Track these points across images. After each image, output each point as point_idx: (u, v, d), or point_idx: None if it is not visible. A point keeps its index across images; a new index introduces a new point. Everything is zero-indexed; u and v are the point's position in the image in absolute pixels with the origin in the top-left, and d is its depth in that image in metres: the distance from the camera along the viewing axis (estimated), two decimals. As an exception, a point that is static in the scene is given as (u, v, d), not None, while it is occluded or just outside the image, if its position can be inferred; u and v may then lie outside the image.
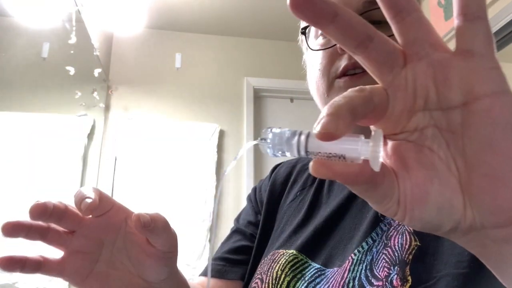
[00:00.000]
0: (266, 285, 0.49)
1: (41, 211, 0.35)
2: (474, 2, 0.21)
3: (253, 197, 0.67)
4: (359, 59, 0.23)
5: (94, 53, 2.11)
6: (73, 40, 1.81)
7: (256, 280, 0.51)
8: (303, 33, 0.56)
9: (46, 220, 0.37)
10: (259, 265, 0.54)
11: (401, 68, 0.22)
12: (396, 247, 0.42)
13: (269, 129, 0.24)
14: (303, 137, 0.22)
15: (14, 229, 0.35)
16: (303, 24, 0.56)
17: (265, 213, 0.61)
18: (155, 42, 2.62)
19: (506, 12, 1.71)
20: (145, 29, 2.41)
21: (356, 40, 0.21)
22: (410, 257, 0.40)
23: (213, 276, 0.58)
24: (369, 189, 0.22)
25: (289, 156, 0.24)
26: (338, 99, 0.21)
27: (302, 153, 0.22)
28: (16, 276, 1.57)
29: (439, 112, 0.22)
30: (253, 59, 2.73)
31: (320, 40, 0.53)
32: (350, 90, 0.22)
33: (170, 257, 0.41)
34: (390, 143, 0.24)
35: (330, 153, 0.21)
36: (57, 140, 1.91)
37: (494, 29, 1.77)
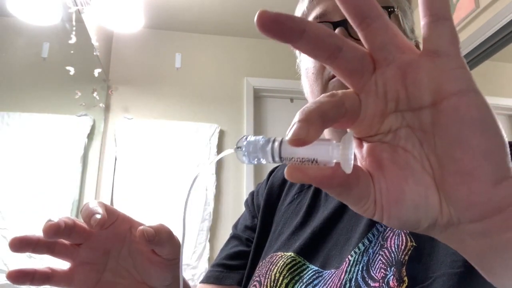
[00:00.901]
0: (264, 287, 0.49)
1: (55, 230, 0.37)
2: (438, 3, 0.22)
3: (250, 202, 0.68)
4: (331, 69, 0.24)
5: (94, 53, 2.11)
6: (73, 40, 1.81)
7: (254, 283, 0.51)
8: None
9: (57, 238, 0.38)
10: (257, 268, 0.54)
11: (371, 74, 0.23)
12: (393, 248, 0.42)
13: (244, 137, 0.25)
14: (276, 144, 0.23)
15: (22, 245, 0.37)
16: None
17: (263, 216, 0.62)
18: (155, 42, 2.62)
19: (506, 12, 1.71)
20: (145, 29, 2.41)
21: (326, 52, 0.22)
22: (406, 257, 0.40)
23: (211, 282, 0.59)
24: (344, 191, 0.23)
25: (264, 163, 0.24)
26: (309, 105, 0.21)
27: (277, 159, 0.23)
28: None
29: (410, 113, 0.23)
30: (253, 59, 2.73)
31: None
32: (322, 95, 0.22)
33: (175, 264, 0.43)
34: (366, 145, 0.24)
35: (303, 158, 0.22)
36: (57, 140, 1.91)
37: (494, 29, 1.77)
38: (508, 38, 1.80)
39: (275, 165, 0.65)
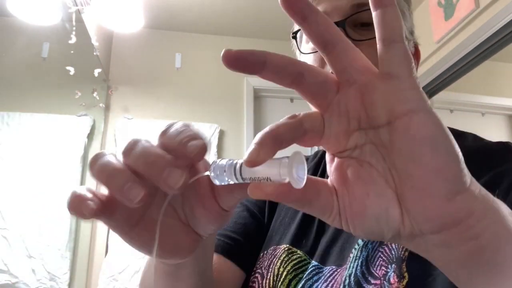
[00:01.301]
0: (267, 281, 0.48)
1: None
2: (388, 28, 0.23)
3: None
4: (297, 91, 0.25)
5: (94, 53, 2.11)
6: (73, 40, 1.81)
7: (256, 275, 0.51)
8: (294, 37, 0.57)
9: None
10: (259, 260, 0.54)
11: (335, 94, 0.25)
12: (393, 244, 0.42)
13: (214, 162, 0.27)
14: (237, 166, 0.25)
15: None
16: (295, 28, 0.57)
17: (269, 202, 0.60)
18: (155, 42, 2.62)
19: (506, 12, 1.71)
20: (145, 29, 2.41)
21: (289, 79, 0.24)
22: (406, 253, 0.40)
23: (220, 252, 0.54)
24: (304, 205, 0.24)
25: (232, 183, 0.26)
26: (267, 128, 0.23)
27: (240, 180, 0.25)
28: (16, 276, 1.57)
29: (372, 131, 0.24)
30: (253, 59, 2.72)
31: (311, 44, 0.53)
32: (284, 117, 0.24)
33: (226, 216, 0.36)
34: (335, 161, 0.26)
35: (259, 177, 0.24)
36: (57, 140, 1.91)
37: (494, 29, 1.77)
38: (508, 38, 1.80)
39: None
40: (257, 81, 2.68)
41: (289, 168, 0.22)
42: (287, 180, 0.23)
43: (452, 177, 0.22)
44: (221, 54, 0.23)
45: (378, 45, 0.24)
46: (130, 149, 0.26)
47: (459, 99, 2.63)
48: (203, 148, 0.25)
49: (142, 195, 0.24)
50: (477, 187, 0.23)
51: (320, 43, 0.24)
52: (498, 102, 2.75)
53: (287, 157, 0.23)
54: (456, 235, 0.23)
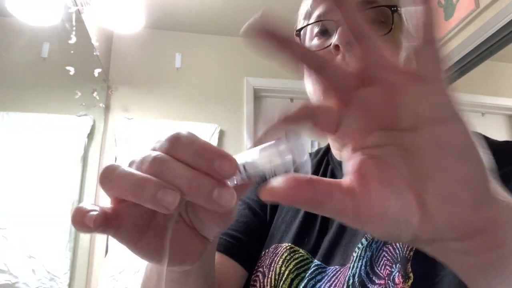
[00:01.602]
0: (269, 280, 0.48)
1: None
2: (427, 27, 0.22)
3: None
4: (320, 81, 0.25)
5: (94, 53, 2.11)
6: (73, 40, 1.81)
7: (257, 273, 0.50)
8: (298, 35, 0.56)
9: None
10: (260, 259, 0.53)
11: (355, 90, 0.24)
12: (397, 244, 0.42)
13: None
14: (241, 164, 0.26)
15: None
16: (299, 25, 0.57)
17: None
18: (155, 42, 2.62)
19: (506, 12, 1.71)
20: (145, 29, 2.41)
21: (311, 68, 0.25)
22: (411, 253, 0.40)
23: (220, 251, 0.54)
24: (316, 207, 0.23)
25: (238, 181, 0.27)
26: (277, 113, 0.24)
27: (245, 177, 0.26)
28: (16, 276, 1.57)
29: (395, 132, 0.23)
30: (253, 59, 2.72)
31: (316, 41, 0.53)
32: (297, 105, 0.25)
33: (230, 217, 0.35)
34: (355, 160, 0.25)
35: (263, 167, 0.25)
36: (57, 140, 1.91)
37: (494, 29, 1.77)
38: (508, 38, 1.80)
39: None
40: (257, 81, 2.68)
41: (287, 144, 0.22)
42: (289, 157, 0.22)
43: (478, 187, 0.22)
44: (252, 25, 0.24)
45: (409, 44, 0.22)
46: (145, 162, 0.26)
47: (459, 99, 2.63)
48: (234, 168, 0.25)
49: (179, 199, 0.24)
50: (503, 195, 0.23)
51: (352, 34, 0.24)
52: (498, 102, 2.75)
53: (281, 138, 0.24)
54: (479, 243, 0.22)
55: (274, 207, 0.60)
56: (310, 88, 0.54)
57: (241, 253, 0.54)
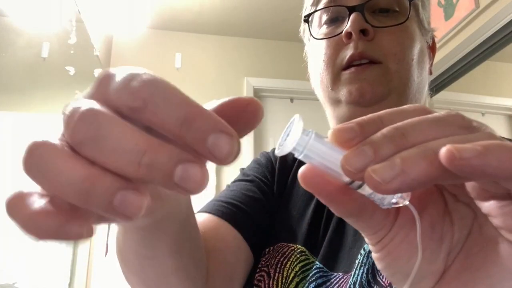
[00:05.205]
0: (274, 282, 0.46)
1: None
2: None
3: (267, 163, 0.59)
4: None
5: (94, 53, 2.11)
6: (73, 40, 1.81)
7: (262, 273, 0.48)
8: (306, 21, 0.53)
9: None
10: (264, 255, 0.50)
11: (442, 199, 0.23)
12: None
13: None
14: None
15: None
16: (306, 11, 0.54)
17: (277, 188, 0.56)
18: (155, 42, 2.62)
19: (506, 12, 1.71)
20: (145, 29, 2.41)
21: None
22: None
23: (225, 219, 0.50)
24: (351, 217, 0.22)
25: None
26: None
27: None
28: (16, 276, 1.57)
29: (473, 210, 0.22)
30: (253, 59, 2.73)
31: (324, 29, 0.51)
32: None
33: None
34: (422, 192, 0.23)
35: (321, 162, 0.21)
36: (57, 140, 1.91)
37: (494, 29, 1.77)
38: (508, 38, 1.80)
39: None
40: (257, 81, 2.68)
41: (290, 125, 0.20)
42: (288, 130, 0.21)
43: None
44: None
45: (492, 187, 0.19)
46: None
47: (459, 99, 2.63)
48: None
49: (146, 202, 0.16)
50: None
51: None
52: (498, 102, 2.75)
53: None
54: None
55: (280, 195, 0.56)
56: (316, 78, 0.51)
57: (244, 224, 0.49)
